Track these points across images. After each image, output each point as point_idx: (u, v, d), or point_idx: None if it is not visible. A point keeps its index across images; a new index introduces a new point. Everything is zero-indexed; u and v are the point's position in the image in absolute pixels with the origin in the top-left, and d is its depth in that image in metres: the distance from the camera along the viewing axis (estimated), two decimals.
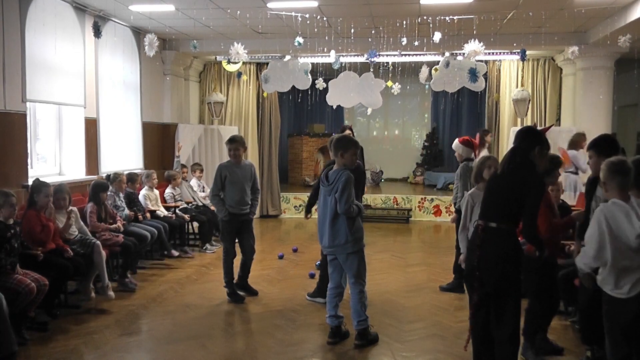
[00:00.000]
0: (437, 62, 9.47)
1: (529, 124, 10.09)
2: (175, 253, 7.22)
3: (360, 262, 4.43)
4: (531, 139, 3.49)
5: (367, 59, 8.64)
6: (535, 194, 3.33)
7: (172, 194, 8.16)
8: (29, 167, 6.35)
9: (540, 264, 3.81)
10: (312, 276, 6.35)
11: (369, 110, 10.18)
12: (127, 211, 6.77)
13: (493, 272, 3.39)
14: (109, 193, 6.51)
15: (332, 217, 4.33)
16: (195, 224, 8.23)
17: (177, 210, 7.87)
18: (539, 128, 4.02)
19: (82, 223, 5.75)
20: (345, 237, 4.32)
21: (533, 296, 4.18)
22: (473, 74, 9.31)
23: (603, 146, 3.90)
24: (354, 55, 9.55)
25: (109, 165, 7.81)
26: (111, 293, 5.46)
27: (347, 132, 7.97)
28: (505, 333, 3.44)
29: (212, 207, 7.35)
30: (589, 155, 4.03)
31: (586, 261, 3.22)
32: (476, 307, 3.54)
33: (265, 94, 10.70)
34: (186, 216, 7.86)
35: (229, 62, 10.02)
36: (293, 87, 10.09)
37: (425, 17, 7.61)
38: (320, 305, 5.37)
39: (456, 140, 6.07)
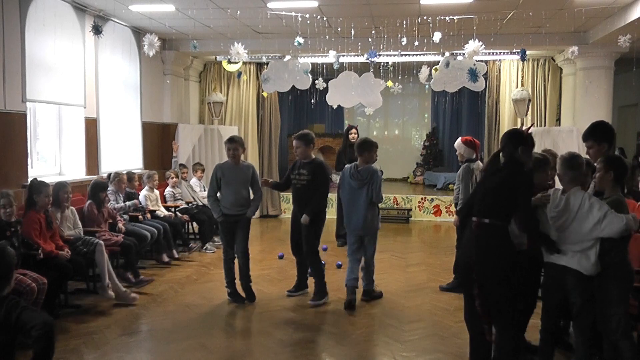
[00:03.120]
0: (437, 62, 9.46)
1: (529, 124, 10.10)
2: (166, 258, 7.05)
3: None
4: (514, 140, 3.66)
5: (367, 59, 8.64)
6: (524, 189, 3.51)
7: (172, 192, 8.17)
8: (29, 167, 6.35)
9: (527, 260, 3.84)
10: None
11: (369, 110, 10.19)
12: (128, 203, 6.81)
13: (486, 265, 3.52)
14: (109, 192, 6.53)
15: (368, 204, 5.36)
16: (196, 224, 8.24)
17: (176, 211, 7.87)
18: (523, 128, 4.04)
19: (77, 219, 5.76)
20: (378, 220, 5.52)
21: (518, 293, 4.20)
22: (473, 74, 9.30)
23: (602, 133, 3.99)
24: (354, 55, 9.54)
25: (109, 165, 7.82)
26: (111, 293, 5.45)
27: (353, 131, 8.04)
28: (502, 322, 3.54)
29: None
30: (589, 145, 4.03)
31: None
32: (476, 298, 3.61)
33: (265, 94, 10.70)
34: (184, 216, 7.87)
35: (229, 62, 10.02)
36: (293, 87, 10.08)
37: (425, 17, 7.61)
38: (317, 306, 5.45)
39: (459, 140, 6.03)
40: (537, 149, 5.92)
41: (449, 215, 10.60)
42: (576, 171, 3.62)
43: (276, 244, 8.51)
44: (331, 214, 10.95)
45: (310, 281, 5.69)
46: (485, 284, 3.53)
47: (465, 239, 3.77)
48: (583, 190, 3.63)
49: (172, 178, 8.22)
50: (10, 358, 2.81)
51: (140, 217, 6.94)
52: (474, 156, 5.90)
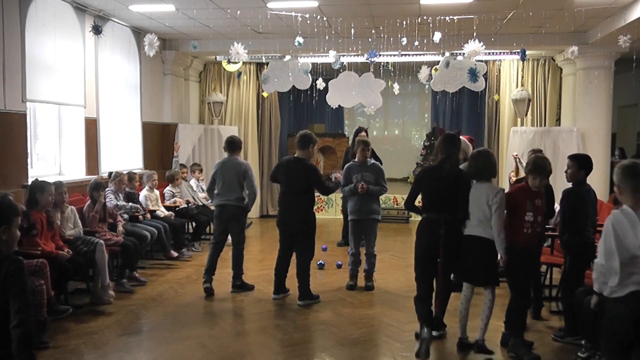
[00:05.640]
0: (437, 62, 9.46)
1: (529, 124, 10.10)
2: (175, 254, 7.20)
3: None
4: (456, 145, 4.45)
5: (367, 59, 8.63)
6: (463, 188, 4.29)
7: (172, 192, 8.18)
8: (29, 167, 6.34)
9: (522, 257, 4.13)
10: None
11: (370, 110, 10.18)
12: (130, 204, 6.81)
13: (451, 250, 4.29)
14: (107, 192, 6.52)
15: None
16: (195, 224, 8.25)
17: (176, 211, 7.87)
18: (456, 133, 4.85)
19: (77, 218, 5.77)
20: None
21: (514, 290, 4.23)
22: (473, 74, 9.29)
23: (583, 162, 4.56)
24: (354, 55, 9.54)
25: (109, 165, 7.81)
26: (111, 292, 5.49)
27: (362, 134, 8.11)
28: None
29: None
30: (568, 165, 4.59)
31: (596, 275, 3.16)
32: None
33: (265, 94, 10.71)
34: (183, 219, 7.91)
35: (229, 62, 10.02)
36: (293, 87, 10.08)
37: (425, 17, 7.60)
38: (317, 306, 5.45)
39: (462, 138, 6.03)
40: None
41: None
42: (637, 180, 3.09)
43: (276, 244, 8.43)
44: (331, 213, 11.00)
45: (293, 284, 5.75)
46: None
47: (420, 231, 4.41)
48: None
49: (176, 179, 8.25)
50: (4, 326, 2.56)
51: (140, 217, 6.94)
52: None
